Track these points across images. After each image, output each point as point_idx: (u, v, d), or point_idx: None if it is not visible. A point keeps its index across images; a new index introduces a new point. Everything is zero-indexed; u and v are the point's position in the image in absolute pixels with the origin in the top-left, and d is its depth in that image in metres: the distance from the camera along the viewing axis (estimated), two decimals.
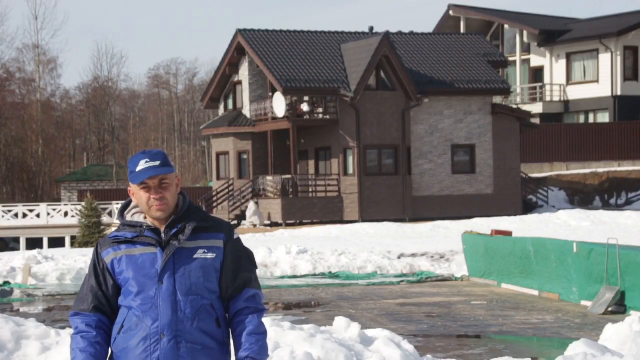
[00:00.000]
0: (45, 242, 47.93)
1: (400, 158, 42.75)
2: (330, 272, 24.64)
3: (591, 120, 54.56)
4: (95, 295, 4.68)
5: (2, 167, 72.37)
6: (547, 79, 56.44)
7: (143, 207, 4.66)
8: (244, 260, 4.75)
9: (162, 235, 4.64)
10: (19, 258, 25.01)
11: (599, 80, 54.00)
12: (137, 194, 4.67)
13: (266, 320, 11.50)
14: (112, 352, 4.66)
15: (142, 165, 4.62)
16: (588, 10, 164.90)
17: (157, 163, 4.62)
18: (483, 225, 35.25)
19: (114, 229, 5.64)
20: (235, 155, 45.37)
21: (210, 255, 4.65)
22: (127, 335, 4.59)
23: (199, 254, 4.63)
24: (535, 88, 56.54)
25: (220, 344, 4.67)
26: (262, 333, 4.69)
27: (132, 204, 4.78)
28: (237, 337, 4.69)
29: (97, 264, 4.70)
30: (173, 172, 4.66)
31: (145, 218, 4.70)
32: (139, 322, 4.58)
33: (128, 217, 4.74)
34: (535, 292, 19.49)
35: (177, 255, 4.61)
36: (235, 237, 4.75)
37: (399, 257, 26.75)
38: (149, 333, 4.56)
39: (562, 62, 55.71)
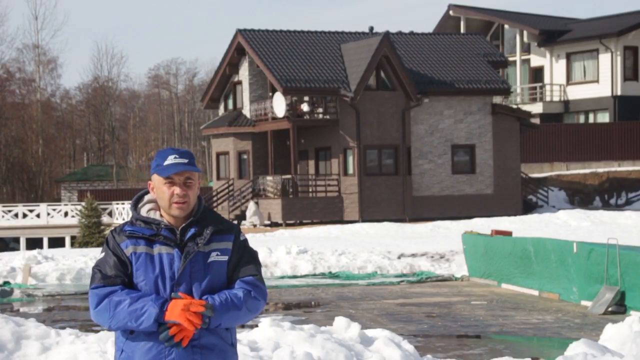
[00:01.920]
0: (45, 242, 47.93)
1: (400, 158, 42.75)
2: (330, 272, 24.64)
3: (591, 120, 54.56)
4: (119, 270, 4.57)
5: (2, 167, 72.34)
6: (547, 79, 56.45)
7: (163, 202, 4.61)
8: (246, 256, 4.72)
9: (178, 235, 4.61)
10: (19, 258, 25.01)
11: (599, 80, 54.00)
12: (160, 189, 4.62)
13: (266, 320, 11.49)
14: (122, 351, 4.62)
15: (171, 160, 4.60)
16: (588, 10, 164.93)
17: (186, 160, 4.60)
18: (483, 225, 35.25)
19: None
20: (235, 155, 45.37)
21: (223, 258, 4.65)
22: (141, 335, 4.54)
23: (213, 257, 4.62)
24: (535, 88, 56.54)
25: (230, 346, 4.68)
26: (239, 297, 4.57)
27: (146, 198, 4.73)
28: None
29: (118, 252, 4.59)
30: (199, 172, 4.64)
31: (160, 215, 4.66)
32: None
33: (143, 212, 4.68)
34: (535, 292, 19.48)
35: (193, 259, 4.59)
36: (242, 238, 4.74)
37: (399, 257, 26.74)
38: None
39: (562, 62, 55.72)
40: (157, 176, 4.61)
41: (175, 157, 4.60)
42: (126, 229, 4.63)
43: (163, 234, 4.60)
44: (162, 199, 4.62)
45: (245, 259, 4.70)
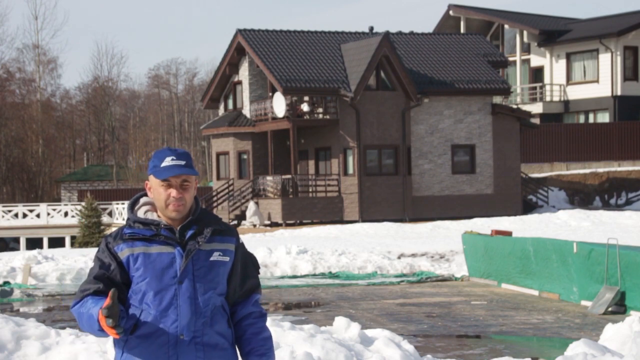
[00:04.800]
0: (45, 242, 47.94)
1: (400, 158, 42.75)
2: (330, 272, 24.63)
3: (591, 120, 54.57)
4: (102, 279, 4.57)
5: (2, 167, 72.32)
6: (547, 79, 56.46)
7: (160, 204, 4.61)
8: (250, 266, 4.79)
9: (177, 234, 4.62)
10: (19, 258, 25.00)
11: (599, 80, 54.01)
12: (156, 190, 4.61)
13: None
14: (123, 352, 4.61)
15: (168, 162, 4.58)
16: (588, 10, 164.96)
17: (183, 163, 4.59)
18: (483, 225, 35.25)
19: (114, 228, 5.55)
20: (235, 155, 45.37)
21: (224, 258, 4.66)
22: (143, 334, 4.55)
23: (215, 257, 4.63)
24: (535, 88, 56.55)
25: (231, 344, 4.70)
26: (269, 337, 4.78)
27: (142, 201, 4.72)
28: (246, 340, 4.72)
29: (108, 258, 4.60)
30: (196, 174, 4.64)
31: (158, 216, 4.66)
32: (156, 322, 4.54)
33: (140, 214, 4.67)
34: (535, 292, 19.48)
35: (195, 257, 4.59)
36: (241, 241, 4.79)
37: (399, 257, 26.74)
38: (168, 333, 4.54)
39: (562, 62, 55.72)
40: (154, 178, 4.61)
41: (172, 159, 4.58)
42: (126, 232, 4.62)
43: (163, 233, 4.59)
44: (159, 200, 4.61)
45: (250, 267, 4.79)
